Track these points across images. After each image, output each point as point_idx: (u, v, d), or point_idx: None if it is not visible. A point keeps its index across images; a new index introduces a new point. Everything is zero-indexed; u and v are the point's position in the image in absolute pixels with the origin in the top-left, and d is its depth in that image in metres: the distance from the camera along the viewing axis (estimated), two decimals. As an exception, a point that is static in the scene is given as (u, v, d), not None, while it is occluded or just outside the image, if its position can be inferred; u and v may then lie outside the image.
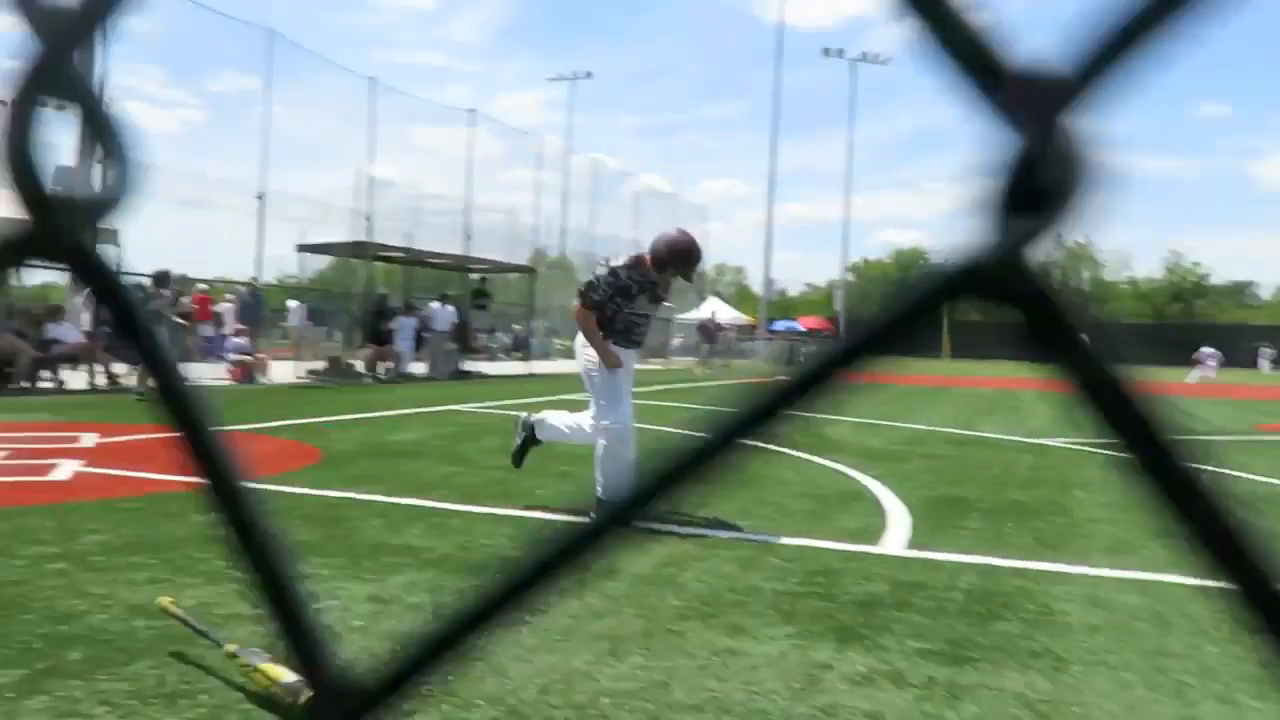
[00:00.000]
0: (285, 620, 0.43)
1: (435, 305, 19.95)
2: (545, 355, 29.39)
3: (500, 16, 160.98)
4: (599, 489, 5.34)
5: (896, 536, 5.07)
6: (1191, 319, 62.22)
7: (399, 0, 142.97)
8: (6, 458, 6.80)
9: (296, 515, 5.02)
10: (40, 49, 0.44)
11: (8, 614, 3.26)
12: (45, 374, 13.22)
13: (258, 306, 19.17)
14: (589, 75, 75.94)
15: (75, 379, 13.61)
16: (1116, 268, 73.38)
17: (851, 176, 59.89)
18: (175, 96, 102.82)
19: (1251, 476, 7.67)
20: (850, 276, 70.80)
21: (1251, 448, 10.30)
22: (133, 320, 0.46)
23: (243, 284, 20.10)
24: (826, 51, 59.09)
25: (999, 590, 4.03)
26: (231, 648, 2.68)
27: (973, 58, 0.34)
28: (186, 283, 15.95)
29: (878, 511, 5.74)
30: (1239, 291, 78.69)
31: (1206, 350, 26.02)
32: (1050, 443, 10.04)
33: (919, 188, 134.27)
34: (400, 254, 21.29)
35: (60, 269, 0.56)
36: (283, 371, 17.25)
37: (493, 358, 26.09)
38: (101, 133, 0.45)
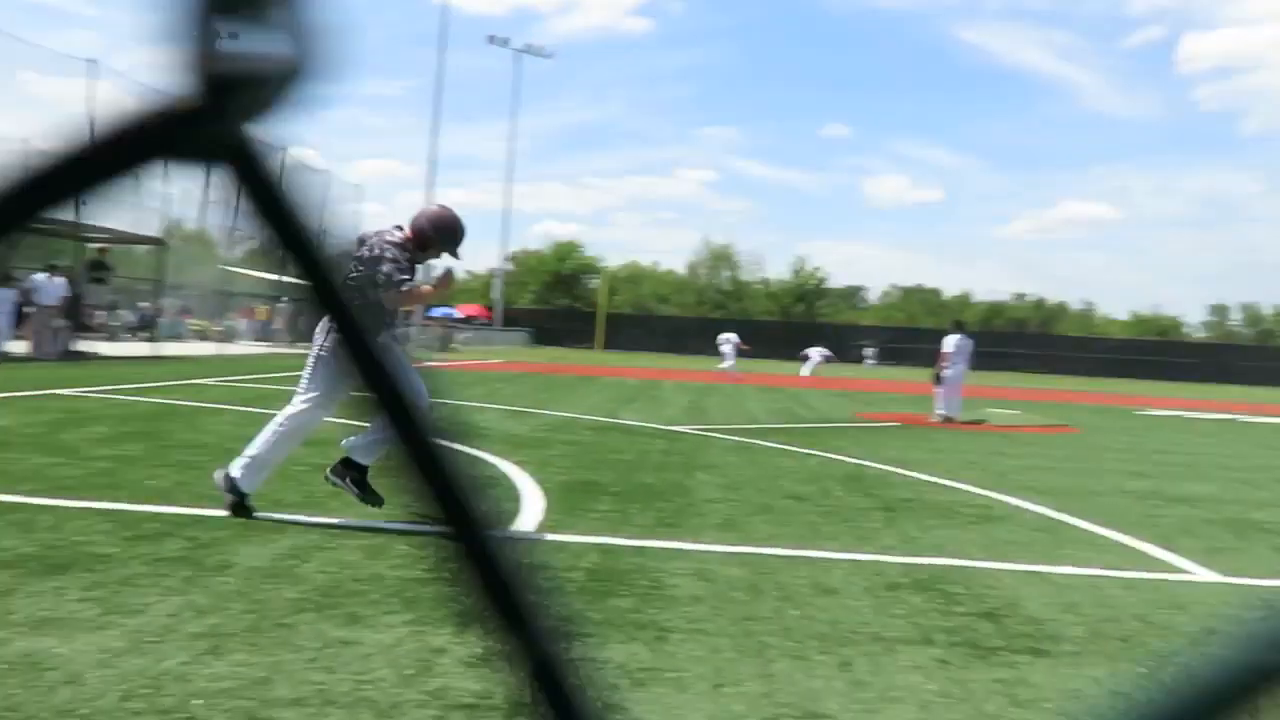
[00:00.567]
0: None
1: (40, 276, 17.68)
2: (177, 337, 27.04)
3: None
4: (238, 465, 4.80)
5: (528, 520, 5.18)
6: (813, 319, 69.20)
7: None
8: None
9: None
10: None
11: None
12: None
13: None
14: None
15: None
16: (753, 269, 79.99)
17: (514, 165, 60.39)
18: None
19: (847, 459, 8.66)
20: (510, 265, 71.54)
21: (851, 433, 11.63)
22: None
23: None
24: (492, 39, 59.29)
25: (617, 568, 4.23)
26: None
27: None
28: None
29: (514, 496, 5.82)
30: (852, 295, 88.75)
31: (814, 349, 30.01)
32: (683, 429, 10.74)
33: (579, 182, 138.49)
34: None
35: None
36: None
37: (113, 337, 23.61)
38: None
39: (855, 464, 8.36)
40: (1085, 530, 5.77)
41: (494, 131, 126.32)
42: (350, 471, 4.91)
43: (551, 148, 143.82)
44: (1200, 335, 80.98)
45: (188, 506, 4.96)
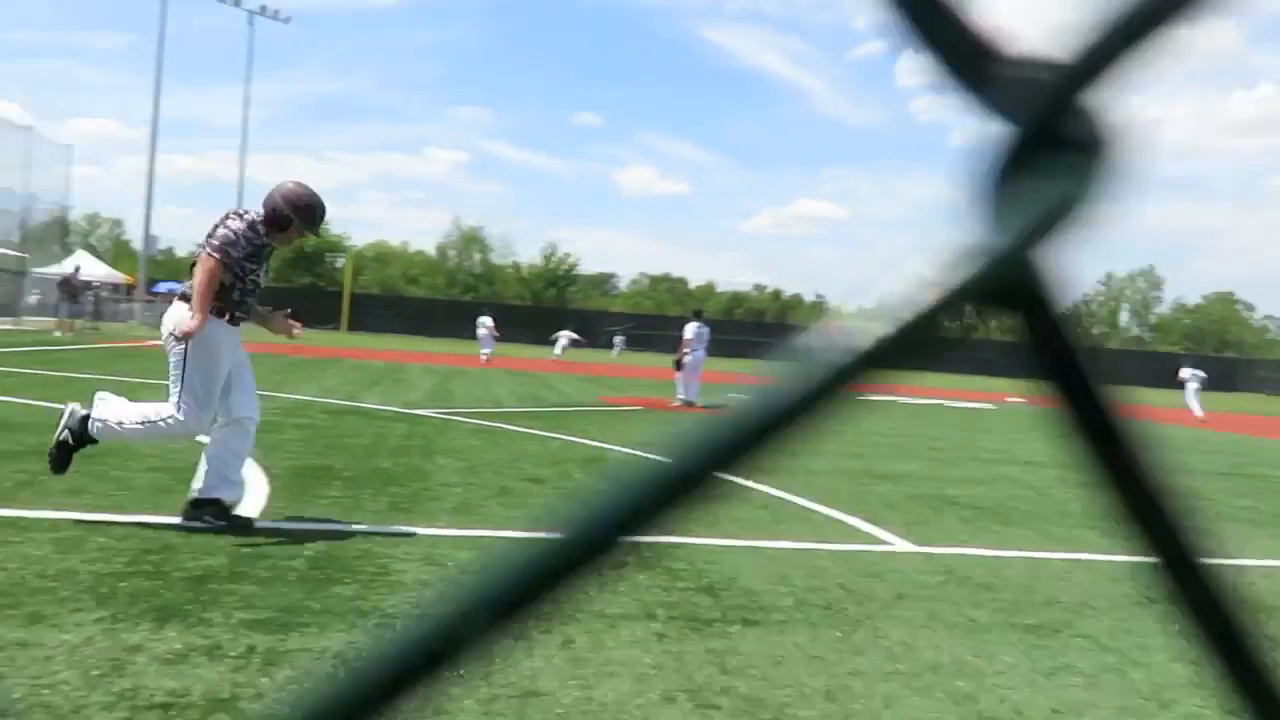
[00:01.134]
0: None
1: None
2: None
3: None
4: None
5: (251, 507, 4.91)
6: (564, 304, 69.81)
7: None
8: None
9: None
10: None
11: None
12: None
13: None
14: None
15: None
16: (504, 251, 79.58)
17: (248, 134, 56.74)
18: None
19: (589, 442, 8.81)
20: (247, 240, 67.26)
21: (594, 416, 11.85)
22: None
23: None
24: (221, -2, 55.27)
25: (343, 555, 4.09)
26: None
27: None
28: None
29: (236, 483, 5.50)
30: (603, 282, 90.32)
31: (563, 332, 31.65)
32: (425, 413, 10.54)
33: (322, 156, 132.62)
34: None
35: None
36: None
37: None
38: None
39: (597, 447, 8.52)
40: (802, 507, 6.17)
41: (227, 96, 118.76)
42: (204, 509, 4.46)
43: (292, 118, 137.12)
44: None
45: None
